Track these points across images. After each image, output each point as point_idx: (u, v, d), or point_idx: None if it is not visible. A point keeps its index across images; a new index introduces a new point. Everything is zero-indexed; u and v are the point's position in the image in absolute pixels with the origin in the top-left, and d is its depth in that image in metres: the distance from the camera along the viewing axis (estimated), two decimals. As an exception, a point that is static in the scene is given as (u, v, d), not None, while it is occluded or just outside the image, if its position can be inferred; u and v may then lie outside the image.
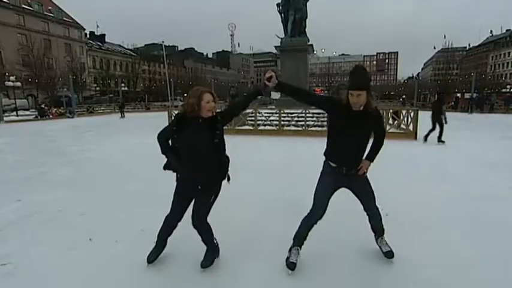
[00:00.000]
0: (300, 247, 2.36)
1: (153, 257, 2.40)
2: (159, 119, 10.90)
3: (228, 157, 2.27)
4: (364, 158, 2.25)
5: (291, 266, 2.28)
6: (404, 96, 34.99)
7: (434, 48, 58.01)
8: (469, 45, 70.21)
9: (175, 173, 2.29)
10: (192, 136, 2.09)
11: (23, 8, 39.49)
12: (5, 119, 18.91)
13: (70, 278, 2.25)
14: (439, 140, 8.38)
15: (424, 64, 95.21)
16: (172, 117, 2.26)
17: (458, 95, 31.47)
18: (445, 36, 66.10)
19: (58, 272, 2.33)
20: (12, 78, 24.32)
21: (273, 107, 15.28)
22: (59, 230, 3.08)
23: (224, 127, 2.20)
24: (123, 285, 2.19)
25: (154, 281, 2.24)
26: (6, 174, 5.53)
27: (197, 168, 2.15)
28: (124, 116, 22.01)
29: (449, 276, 2.24)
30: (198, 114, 2.09)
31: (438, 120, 8.43)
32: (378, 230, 2.52)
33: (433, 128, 8.52)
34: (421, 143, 8.55)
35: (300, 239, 2.35)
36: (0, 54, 35.61)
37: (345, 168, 2.22)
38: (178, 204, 2.31)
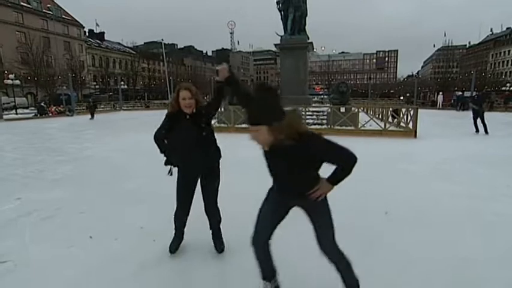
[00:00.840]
0: (271, 280, 1.86)
1: (174, 247, 2.49)
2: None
3: (218, 148, 2.41)
4: (325, 178, 1.63)
5: None
6: (408, 95, 34.76)
7: (434, 46, 58.05)
8: (469, 43, 70.23)
9: (176, 169, 2.39)
10: (181, 131, 2.23)
11: (22, 5, 39.36)
12: (5, 117, 18.90)
13: (70, 275, 2.26)
14: (486, 132, 9.73)
15: (424, 62, 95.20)
16: None
17: (459, 93, 31.42)
18: (445, 34, 65.96)
19: (58, 269, 2.34)
20: (11, 76, 24.27)
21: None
22: (59, 228, 3.08)
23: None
24: (123, 282, 2.19)
25: (154, 277, 2.24)
26: (6, 172, 5.53)
27: (193, 160, 2.26)
28: (93, 117, 18.67)
29: (449, 276, 2.24)
30: (181, 110, 2.21)
31: (481, 116, 9.88)
32: (351, 283, 1.83)
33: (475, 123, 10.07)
34: (421, 141, 8.58)
35: (265, 271, 1.85)
36: (-2, 52, 35.54)
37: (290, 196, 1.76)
38: (183, 199, 2.39)
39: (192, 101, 2.19)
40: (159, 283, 2.20)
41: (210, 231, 2.55)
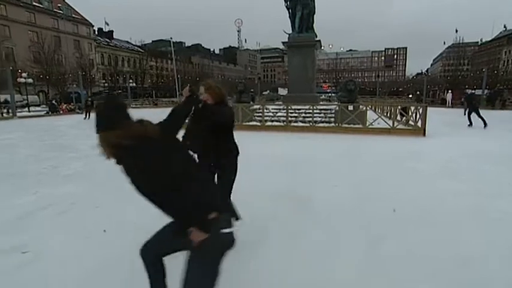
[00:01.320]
0: None
1: None
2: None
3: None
4: None
5: None
6: (418, 93, 34.10)
7: (444, 43, 56.95)
8: (481, 40, 68.61)
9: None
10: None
11: (34, 5, 40.12)
12: (18, 114, 19.36)
13: (86, 265, 2.36)
14: (485, 125, 10.71)
15: (434, 60, 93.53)
16: None
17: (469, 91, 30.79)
18: (456, 31, 64.14)
19: (74, 260, 2.45)
20: (24, 74, 24.81)
21: (280, 103, 15.28)
22: (74, 221, 3.19)
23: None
24: (139, 274, 2.28)
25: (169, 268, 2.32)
26: (21, 167, 5.71)
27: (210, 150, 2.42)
28: (89, 117, 17.29)
29: (453, 274, 2.26)
30: None
31: (476, 111, 11.05)
32: None
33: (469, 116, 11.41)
34: (430, 140, 8.51)
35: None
36: (12, 51, 36.33)
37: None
38: None
39: (205, 95, 2.34)
40: (175, 274, 2.28)
41: None
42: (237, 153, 2.55)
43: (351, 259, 2.45)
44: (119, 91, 41.50)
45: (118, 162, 1.37)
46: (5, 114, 18.76)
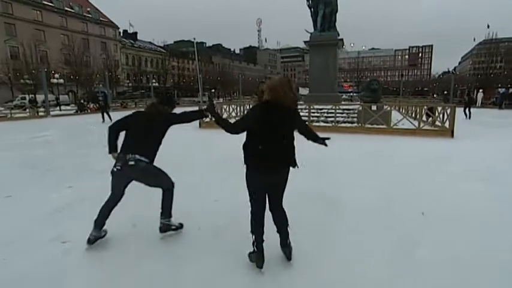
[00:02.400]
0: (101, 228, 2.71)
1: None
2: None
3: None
4: None
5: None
6: (445, 92, 32.53)
7: (474, 40, 54.02)
8: (517, 34, 64.34)
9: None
10: None
11: (66, 10, 42.38)
12: (51, 113, 20.49)
13: (122, 254, 2.52)
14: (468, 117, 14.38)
15: (462, 58, 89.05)
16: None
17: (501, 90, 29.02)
18: (488, 26, 60.17)
19: (112, 249, 2.61)
20: (56, 75, 26.23)
21: (302, 102, 15.19)
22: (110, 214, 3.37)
23: None
24: (171, 264, 2.39)
25: (201, 264, 2.42)
26: (56, 163, 6.07)
27: None
28: (104, 120, 14.10)
29: (483, 278, 2.21)
30: None
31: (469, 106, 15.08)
32: None
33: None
34: (458, 141, 8.16)
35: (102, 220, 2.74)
36: (46, 54, 38.55)
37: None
38: None
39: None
40: (210, 270, 2.37)
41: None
42: (249, 156, 2.26)
43: (380, 260, 2.45)
44: (142, 91, 42.87)
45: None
46: (40, 113, 19.90)
